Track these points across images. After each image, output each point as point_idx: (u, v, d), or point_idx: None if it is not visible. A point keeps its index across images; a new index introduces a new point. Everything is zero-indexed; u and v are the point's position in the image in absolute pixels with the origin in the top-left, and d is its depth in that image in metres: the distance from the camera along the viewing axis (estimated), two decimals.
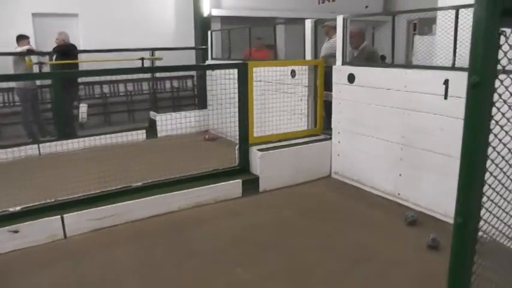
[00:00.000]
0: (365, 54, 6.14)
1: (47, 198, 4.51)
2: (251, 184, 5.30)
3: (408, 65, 4.69)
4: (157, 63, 9.13)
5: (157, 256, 3.92)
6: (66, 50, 8.48)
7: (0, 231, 4.04)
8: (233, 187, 5.19)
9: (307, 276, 3.49)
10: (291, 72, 6.23)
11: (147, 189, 4.90)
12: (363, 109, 5.18)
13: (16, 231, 4.10)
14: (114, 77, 10.56)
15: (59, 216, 4.29)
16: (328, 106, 5.96)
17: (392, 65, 4.85)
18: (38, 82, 8.98)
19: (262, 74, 5.83)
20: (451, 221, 4.09)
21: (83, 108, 8.74)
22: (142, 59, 9.07)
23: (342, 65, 5.45)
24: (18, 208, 4.34)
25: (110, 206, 4.54)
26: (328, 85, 5.82)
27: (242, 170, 5.45)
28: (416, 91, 4.48)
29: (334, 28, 6.71)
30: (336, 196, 5.20)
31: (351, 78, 5.26)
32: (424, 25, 7.82)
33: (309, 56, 6.02)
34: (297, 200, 5.11)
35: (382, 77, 4.90)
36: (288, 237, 4.19)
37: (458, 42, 4.11)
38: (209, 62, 9.09)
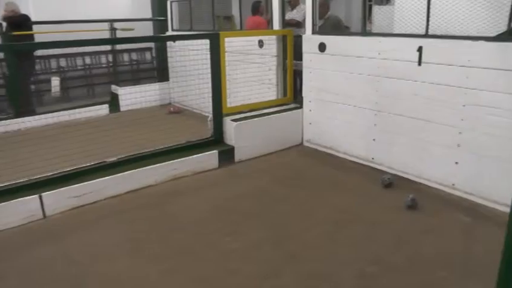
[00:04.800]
0: (330, 23, 6.20)
1: (19, 178, 4.33)
2: (227, 155, 5.33)
3: (383, 33, 4.76)
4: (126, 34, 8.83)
5: (141, 231, 3.90)
6: (19, 21, 7.99)
7: None
8: (209, 158, 5.20)
9: (294, 242, 3.58)
10: (259, 42, 6.22)
11: (123, 164, 4.83)
12: (334, 78, 5.26)
13: None
14: (70, 50, 10.17)
15: (37, 195, 4.16)
16: (298, 75, 6.02)
17: (365, 33, 4.91)
18: None
19: (231, 45, 5.78)
20: (425, 182, 4.36)
21: (55, 81, 8.42)
22: (113, 29, 8.80)
23: (312, 34, 5.48)
24: None
25: (87, 182, 4.46)
26: (297, 55, 5.85)
27: (216, 141, 5.46)
28: (390, 58, 4.59)
29: None
30: (310, 163, 5.31)
31: (322, 47, 5.31)
32: None
33: (276, 26, 6.01)
34: (273, 169, 5.18)
35: (355, 46, 4.97)
36: (269, 206, 4.27)
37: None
38: (169, 33, 8.91)
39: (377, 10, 5.29)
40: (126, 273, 3.28)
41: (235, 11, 7.56)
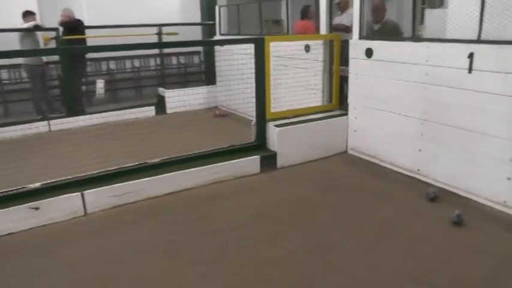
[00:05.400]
0: (387, 29, 5.90)
1: (65, 175, 4.48)
2: (269, 160, 5.27)
3: (431, 38, 4.57)
4: (172, 39, 9.01)
5: (179, 233, 3.91)
6: (73, 26, 8.40)
7: (21, 208, 4.03)
8: (251, 163, 5.16)
9: (331, 253, 3.48)
10: (305, 47, 6.14)
11: (165, 165, 4.87)
12: (380, 84, 5.11)
13: (37, 208, 4.08)
14: (120, 53, 10.47)
15: (79, 193, 4.27)
16: (344, 81, 5.91)
17: (413, 38, 4.74)
18: (44, 58, 8.86)
19: (277, 49, 5.73)
20: (473, 197, 4.13)
21: (100, 83, 8.70)
22: (158, 34, 8.99)
23: (359, 39, 5.36)
24: (38, 185, 4.31)
25: (128, 182, 4.52)
26: (344, 60, 5.74)
27: (259, 146, 5.41)
28: (438, 65, 4.39)
29: (347, 2, 6.64)
30: (353, 172, 5.17)
31: (369, 52, 5.18)
32: None
33: (323, 30, 5.92)
34: (315, 176, 5.08)
35: (402, 51, 4.80)
36: (308, 214, 4.18)
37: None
38: (217, 37, 8.97)
39: (429, 13, 5.08)
40: (161, 274, 3.28)
41: (284, 15, 7.50)
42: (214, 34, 9.10)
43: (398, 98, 4.91)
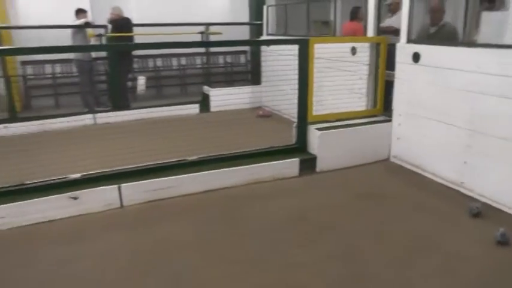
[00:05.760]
0: (444, 33, 5.52)
1: (105, 167, 4.60)
2: (308, 164, 5.19)
3: (486, 44, 4.32)
4: (215, 38, 9.10)
5: (212, 231, 3.91)
6: (121, 24, 8.67)
7: (61, 197, 4.16)
8: (290, 166, 5.09)
9: (363, 263, 3.37)
10: (352, 50, 6.02)
11: (203, 163, 4.90)
12: (427, 91, 4.93)
13: (75, 198, 4.21)
14: (167, 51, 10.63)
15: (117, 185, 4.37)
16: (388, 86, 5.74)
17: (465, 43, 4.52)
18: (93, 54, 9.14)
19: (321, 51, 5.63)
20: None
21: (141, 80, 8.91)
22: (202, 33, 9.08)
23: (407, 42, 5.19)
24: (78, 175, 4.44)
25: (165, 178, 4.57)
26: (390, 64, 5.58)
27: (299, 148, 5.34)
28: (489, 73, 4.16)
29: (398, 4, 6.44)
30: (394, 181, 5.01)
31: (416, 57, 5.01)
32: None
33: (371, 32, 5.78)
34: (354, 183, 4.96)
35: (451, 57, 4.60)
36: (344, 221, 4.08)
37: None
38: (264, 37, 8.94)
39: (486, 16, 4.81)
40: (190, 271, 3.29)
41: (333, 16, 7.40)
42: (262, 34, 9.08)
43: (445, 106, 4.71)
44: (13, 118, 7.75)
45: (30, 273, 3.32)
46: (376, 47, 5.73)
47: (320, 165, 5.24)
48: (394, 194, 4.66)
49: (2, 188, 4.16)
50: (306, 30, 7.55)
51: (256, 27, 9.83)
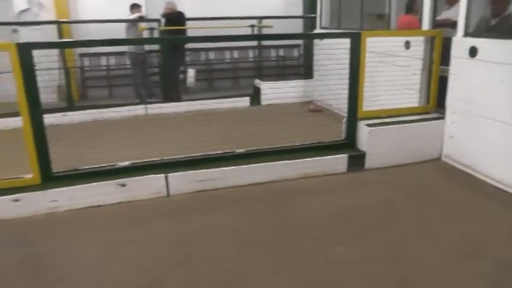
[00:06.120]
0: (506, 25, 5.09)
1: (153, 157, 4.73)
2: (356, 160, 5.09)
3: None
4: (267, 31, 9.09)
5: (255, 224, 3.93)
6: (174, 17, 8.88)
7: (110, 184, 4.33)
8: (338, 162, 5.02)
9: (408, 265, 3.27)
10: (405, 44, 5.84)
11: (250, 156, 4.92)
12: (483, 88, 4.70)
13: (123, 185, 4.36)
14: (219, 44, 10.75)
15: (164, 174, 4.47)
16: (443, 82, 5.52)
17: None
18: (146, 47, 9.38)
19: (374, 45, 5.48)
20: None
21: (191, 73, 9.06)
22: (252, 26, 9.10)
23: (464, 36, 4.96)
24: (127, 163, 4.61)
25: (212, 169, 4.63)
26: (445, 59, 5.36)
27: (348, 144, 5.25)
28: None
29: None
30: (445, 181, 4.83)
31: (473, 51, 4.79)
32: None
33: (426, 25, 5.57)
34: (404, 182, 4.82)
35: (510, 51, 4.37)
36: (391, 220, 3.98)
37: None
38: (317, 31, 8.84)
39: None
40: (231, 263, 3.33)
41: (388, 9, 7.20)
42: (315, 27, 8.97)
43: (504, 104, 4.48)
44: (71, 107, 8.12)
45: (82, 254, 3.50)
46: (431, 41, 5.53)
47: (369, 162, 5.12)
48: (444, 195, 4.50)
49: (58, 173, 4.38)
50: (360, 24, 7.39)
51: (310, 21, 9.73)
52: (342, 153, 5.08)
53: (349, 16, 7.83)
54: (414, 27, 6.42)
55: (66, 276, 3.23)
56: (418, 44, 5.62)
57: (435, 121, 5.35)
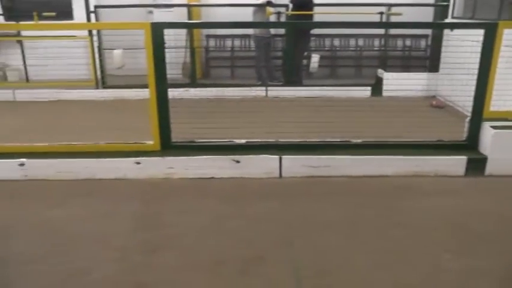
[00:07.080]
0: None
1: (269, 138, 4.93)
2: (476, 164, 4.77)
3: None
4: (396, 19, 8.79)
5: (363, 217, 3.89)
6: (302, 3, 8.88)
7: (225, 159, 4.61)
8: (456, 164, 4.76)
9: None
10: None
11: (366, 147, 4.89)
12: None
13: (238, 161, 4.59)
14: (345, 31, 10.58)
15: (278, 156, 4.62)
16: None
17: None
18: (272, 31, 9.54)
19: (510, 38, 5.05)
20: None
21: (315, 58, 9.10)
22: (381, 13, 8.86)
23: None
24: (243, 141, 4.87)
25: (326, 156, 4.67)
26: None
27: (469, 146, 4.93)
28: None
29: None
30: None
31: None
32: None
33: None
34: None
35: None
36: (509, 234, 3.68)
37: None
38: (448, 20, 8.35)
39: None
40: (332, 252, 3.33)
41: None
42: (446, 17, 8.49)
43: None
44: (193, 83, 8.61)
45: (190, 221, 3.78)
46: None
47: (490, 168, 4.77)
48: None
49: (177, 142, 4.80)
50: (498, 14, 6.84)
51: (441, 9, 9.23)
52: (461, 155, 4.79)
53: (487, 5, 7.28)
54: None
55: (174, 238, 3.50)
56: None
57: None
